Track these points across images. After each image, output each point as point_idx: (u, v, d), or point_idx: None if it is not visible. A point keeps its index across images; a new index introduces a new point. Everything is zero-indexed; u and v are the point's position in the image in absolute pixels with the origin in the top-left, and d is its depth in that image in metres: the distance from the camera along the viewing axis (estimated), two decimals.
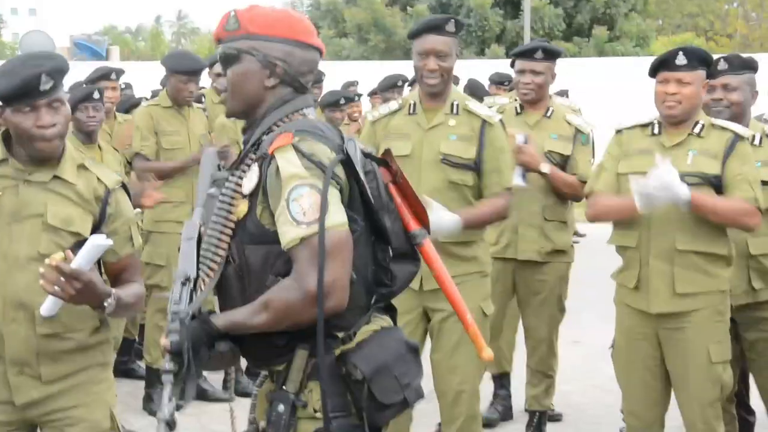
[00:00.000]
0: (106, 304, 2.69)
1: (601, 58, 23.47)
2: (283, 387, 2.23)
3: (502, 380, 5.27)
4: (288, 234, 2.14)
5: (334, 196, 2.17)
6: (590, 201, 3.85)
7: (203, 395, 5.52)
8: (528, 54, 4.82)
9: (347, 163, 2.22)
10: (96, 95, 5.07)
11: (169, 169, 5.51)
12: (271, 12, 2.33)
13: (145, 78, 9.76)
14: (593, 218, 3.87)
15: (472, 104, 3.97)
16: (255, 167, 2.23)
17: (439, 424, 4.27)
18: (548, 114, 4.81)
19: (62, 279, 2.57)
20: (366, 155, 2.35)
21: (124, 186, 2.92)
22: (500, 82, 8.97)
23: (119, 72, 6.56)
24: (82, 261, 2.60)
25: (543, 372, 4.89)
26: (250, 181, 2.23)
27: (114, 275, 2.92)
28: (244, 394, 5.05)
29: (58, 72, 2.72)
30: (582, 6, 26.53)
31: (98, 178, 2.84)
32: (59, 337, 2.78)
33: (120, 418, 2.97)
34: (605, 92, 16.59)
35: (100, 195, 2.82)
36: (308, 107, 2.35)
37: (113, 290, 2.73)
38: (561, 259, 4.83)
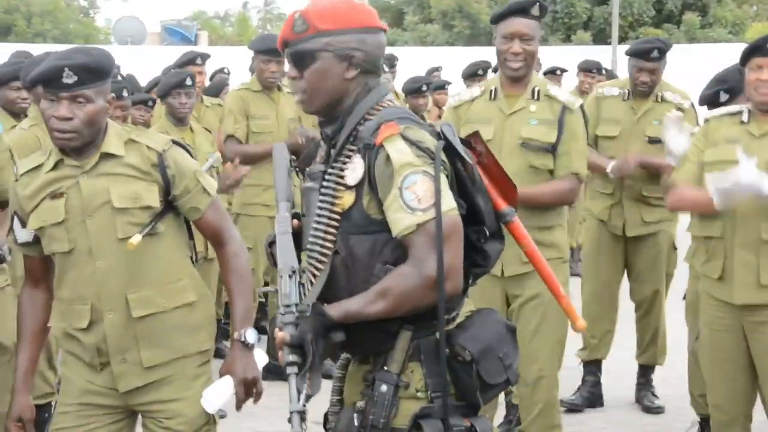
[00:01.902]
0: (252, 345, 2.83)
1: (692, 44, 22.94)
2: (385, 368, 2.27)
3: (591, 367, 5.26)
4: (403, 221, 2.18)
5: (443, 181, 2.20)
6: (671, 191, 3.84)
7: (283, 376, 5.62)
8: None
9: (448, 147, 2.26)
10: (188, 81, 5.23)
11: (259, 154, 5.59)
12: (334, 5, 2.33)
13: (232, 63, 9.92)
14: (672, 208, 3.93)
15: (553, 89, 3.99)
16: (358, 158, 2.25)
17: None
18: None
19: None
20: None
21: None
22: (588, 69, 8.87)
23: (204, 56, 6.70)
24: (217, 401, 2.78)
25: None
26: (354, 172, 2.25)
27: (208, 234, 2.96)
28: (326, 376, 5.18)
29: (85, 69, 2.74)
30: None
31: (147, 146, 2.86)
32: (155, 317, 2.85)
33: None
34: (696, 79, 16.21)
35: (155, 162, 2.84)
36: (389, 92, 2.38)
37: (242, 334, 2.81)
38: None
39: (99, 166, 2.82)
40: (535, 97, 3.92)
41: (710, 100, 4.46)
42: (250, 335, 2.82)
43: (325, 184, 2.30)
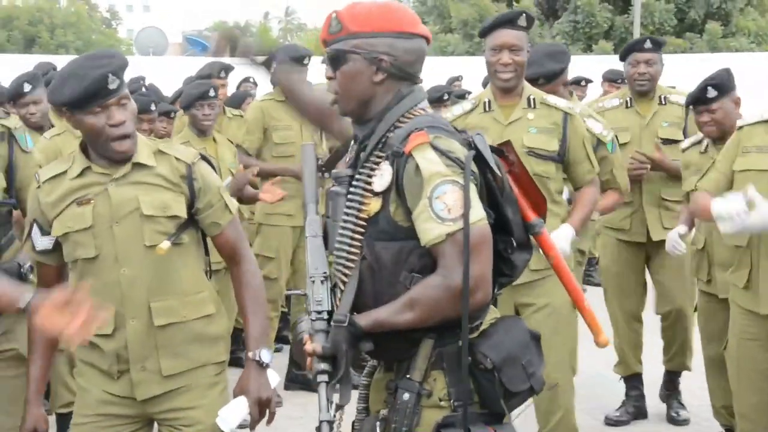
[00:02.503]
0: (267, 362, 2.84)
1: (714, 54, 22.82)
2: (407, 376, 2.27)
3: (633, 381, 5.23)
4: (432, 231, 2.18)
5: (472, 191, 2.21)
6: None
7: (309, 385, 5.63)
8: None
9: (478, 157, 2.26)
10: (212, 93, 5.27)
11: (267, 171, 5.59)
12: (370, 7, 2.35)
13: (253, 72, 9.95)
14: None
15: (550, 98, 4.02)
16: (386, 165, 2.26)
17: None
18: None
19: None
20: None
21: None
22: (613, 79, 8.84)
23: (228, 68, 6.74)
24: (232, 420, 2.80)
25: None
26: (382, 179, 2.25)
27: (225, 251, 2.96)
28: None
29: (122, 69, 2.77)
30: (695, 1, 25.83)
31: (176, 158, 2.87)
32: (176, 327, 2.86)
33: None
34: None
35: (183, 174, 2.86)
36: (424, 99, 2.38)
37: (256, 354, 2.82)
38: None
39: (129, 176, 2.83)
40: (531, 105, 3.95)
41: (699, 95, 4.44)
42: (265, 355, 2.84)
43: (352, 190, 2.30)
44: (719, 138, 4.42)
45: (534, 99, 3.98)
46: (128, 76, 2.97)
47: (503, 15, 4.00)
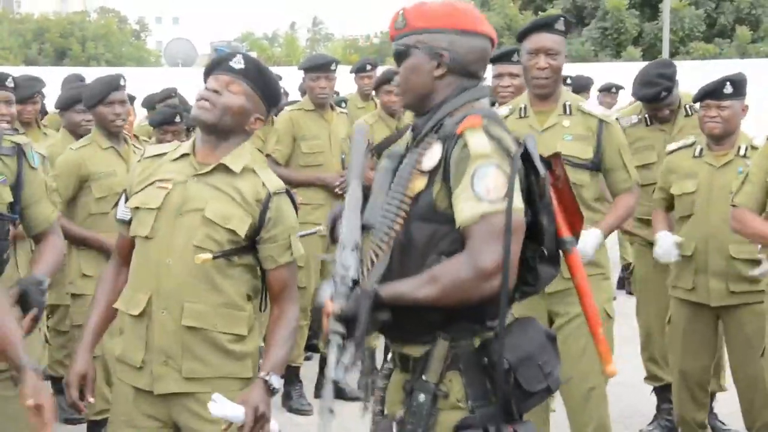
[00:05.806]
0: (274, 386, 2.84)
1: (743, 60, 22.65)
2: (423, 377, 2.27)
3: (665, 393, 5.10)
4: (467, 210, 2.19)
5: (516, 181, 2.22)
6: (734, 214, 3.78)
7: (340, 394, 5.63)
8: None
9: (525, 157, 2.28)
10: None
11: (296, 180, 5.59)
12: (435, 6, 2.42)
13: (280, 83, 10.01)
14: (737, 233, 3.80)
15: (586, 105, 3.98)
16: (437, 145, 2.30)
17: None
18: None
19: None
20: None
21: (288, 193, 2.96)
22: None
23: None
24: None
25: None
26: (430, 158, 2.30)
27: (274, 288, 2.96)
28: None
29: (252, 65, 2.88)
30: (725, 6, 25.68)
31: (263, 183, 2.91)
32: (204, 333, 2.87)
33: None
34: (749, 94, 15.91)
35: (261, 198, 2.88)
36: (484, 97, 2.42)
37: (269, 375, 2.82)
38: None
39: (211, 176, 2.89)
40: (567, 112, 3.92)
41: (716, 88, 4.33)
42: (276, 381, 2.85)
43: (402, 167, 2.34)
44: (718, 138, 4.34)
45: (570, 105, 3.93)
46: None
47: (541, 19, 4.00)
